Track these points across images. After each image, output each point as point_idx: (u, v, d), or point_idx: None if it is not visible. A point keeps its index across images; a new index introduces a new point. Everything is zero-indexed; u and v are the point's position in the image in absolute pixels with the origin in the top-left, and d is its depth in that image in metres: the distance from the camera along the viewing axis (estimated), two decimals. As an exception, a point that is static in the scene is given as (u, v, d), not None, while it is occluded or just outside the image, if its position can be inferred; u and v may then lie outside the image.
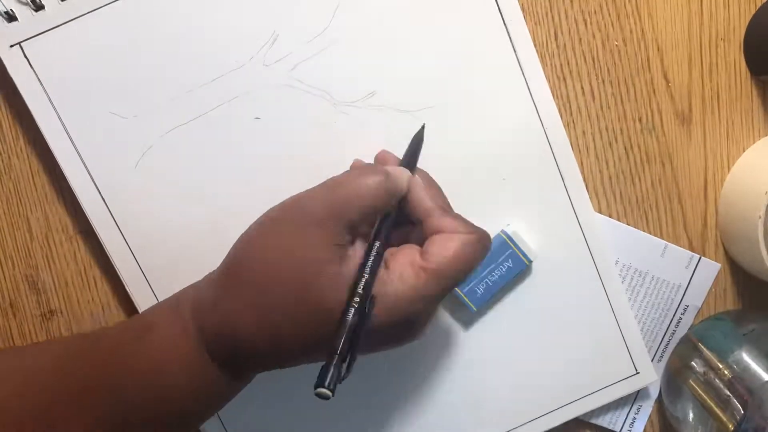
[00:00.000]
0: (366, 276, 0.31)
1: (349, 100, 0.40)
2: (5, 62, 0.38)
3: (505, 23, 0.40)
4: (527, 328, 0.43)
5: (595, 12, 0.42)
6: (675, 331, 0.46)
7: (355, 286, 0.31)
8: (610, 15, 0.43)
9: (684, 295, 0.46)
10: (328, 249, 0.31)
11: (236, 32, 0.39)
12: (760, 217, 0.40)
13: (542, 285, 0.43)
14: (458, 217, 0.34)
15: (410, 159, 0.37)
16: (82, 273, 0.41)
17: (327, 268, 0.31)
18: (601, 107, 0.43)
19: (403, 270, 0.32)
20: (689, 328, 0.46)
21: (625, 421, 0.46)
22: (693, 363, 0.44)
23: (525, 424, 0.44)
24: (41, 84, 0.38)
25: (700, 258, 0.45)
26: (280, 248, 0.31)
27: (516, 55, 0.40)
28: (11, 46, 0.38)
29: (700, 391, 0.43)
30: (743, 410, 0.41)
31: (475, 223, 0.34)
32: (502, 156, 0.41)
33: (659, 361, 0.46)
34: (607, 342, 0.44)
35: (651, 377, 0.45)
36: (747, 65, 0.44)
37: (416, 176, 0.35)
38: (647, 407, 0.47)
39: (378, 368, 0.43)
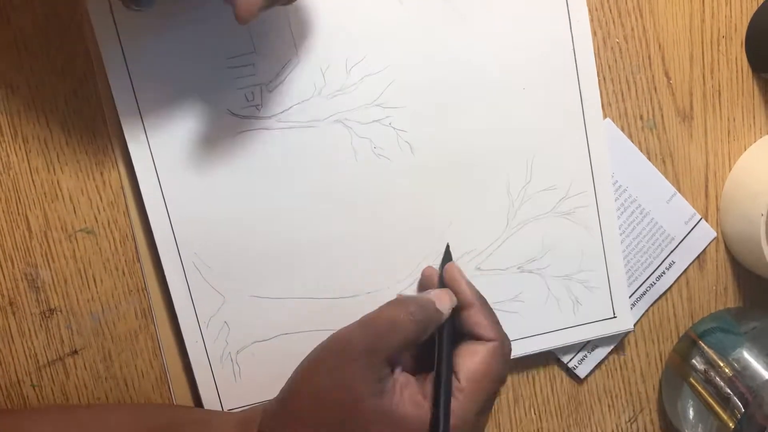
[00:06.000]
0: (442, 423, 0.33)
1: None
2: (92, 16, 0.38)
3: None
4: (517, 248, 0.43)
5: (596, 9, 0.42)
6: (654, 284, 0.45)
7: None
8: (611, 12, 0.42)
9: (674, 250, 0.45)
10: (367, 385, 0.33)
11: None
12: (762, 215, 0.40)
13: (537, 193, 0.43)
14: (489, 316, 0.38)
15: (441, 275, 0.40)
16: (82, 271, 0.41)
17: (368, 403, 0.33)
18: (602, 104, 0.43)
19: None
20: (690, 326, 0.46)
21: (574, 357, 0.46)
22: (693, 361, 0.44)
23: None
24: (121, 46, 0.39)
25: (700, 219, 0.45)
26: (326, 386, 0.34)
27: None
28: None
29: (701, 389, 0.43)
30: (744, 408, 0.41)
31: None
32: (526, 66, 0.41)
33: (631, 308, 0.45)
34: (590, 276, 0.44)
35: (628, 324, 0.44)
36: (749, 62, 0.44)
37: (458, 274, 0.39)
38: (601, 352, 0.46)
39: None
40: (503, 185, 0.42)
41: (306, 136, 0.40)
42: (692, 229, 0.45)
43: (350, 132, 0.41)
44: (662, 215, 0.45)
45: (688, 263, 0.46)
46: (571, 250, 0.43)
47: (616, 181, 0.44)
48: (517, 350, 0.44)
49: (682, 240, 0.45)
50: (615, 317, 0.44)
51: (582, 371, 0.46)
